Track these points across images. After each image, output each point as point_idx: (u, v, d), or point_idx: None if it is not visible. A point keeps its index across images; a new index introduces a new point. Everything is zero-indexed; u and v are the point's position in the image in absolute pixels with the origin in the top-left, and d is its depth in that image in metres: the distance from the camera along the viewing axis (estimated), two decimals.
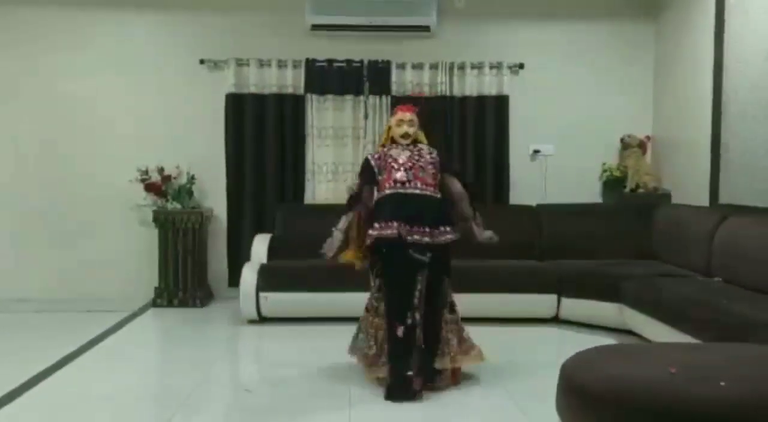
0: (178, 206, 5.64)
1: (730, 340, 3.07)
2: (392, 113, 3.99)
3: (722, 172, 4.91)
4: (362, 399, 3.40)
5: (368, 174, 3.65)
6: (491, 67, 5.92)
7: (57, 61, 5.83)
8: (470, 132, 5.92)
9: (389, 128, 3.75)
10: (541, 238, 5.54)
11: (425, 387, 3.44)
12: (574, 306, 4.89)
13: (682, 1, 5.59)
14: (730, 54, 4.83)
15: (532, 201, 5.82)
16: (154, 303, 5.63)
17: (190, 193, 5.71)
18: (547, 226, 5.59)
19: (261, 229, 5.70)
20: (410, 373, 3.37)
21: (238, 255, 5.71)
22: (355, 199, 3.68)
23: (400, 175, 3.53)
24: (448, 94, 5.89)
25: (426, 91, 5.89)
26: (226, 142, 5.84)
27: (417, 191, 3.51)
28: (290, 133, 5.88)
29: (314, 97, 5.85)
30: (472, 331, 3.70)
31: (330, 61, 5.87)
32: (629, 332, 4.52)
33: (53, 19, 5.81)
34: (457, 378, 3.59)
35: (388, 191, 3.53)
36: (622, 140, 5.92)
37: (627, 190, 5.81)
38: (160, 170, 5.64)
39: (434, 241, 3.44)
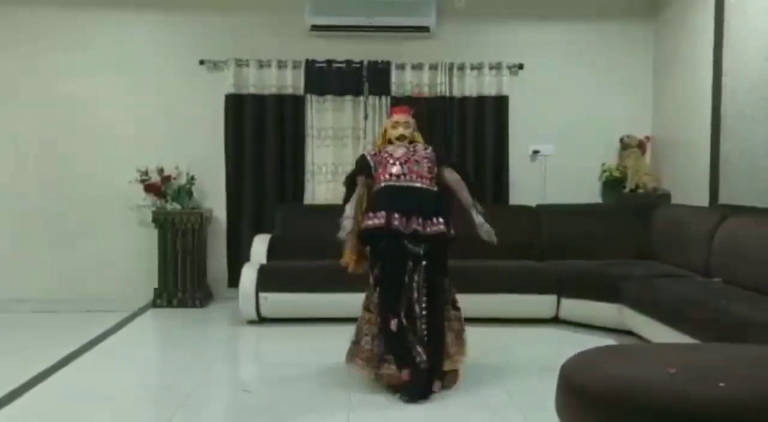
0: (178, 207, 5.65)
1: (730, 341, 3.07)
2: (388, 115, 4.01)
3: (722, 172, 4.91)
4: (362, 400, 3.40)
5: (363, 166, 3.71)
6: (491, 68, 5.92)
7: (57, 61, 5.83)
8: (470, 132, 5.92)
9: (385, 130, 3.81)
10: (540, 239, 5.54)
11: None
12: (574, 307, 4.89)
13: (681, 1, 5.60)
14: (729, 54, 4.83)
15: (532, 201, 5.82)
16: (153, 304, 5.63)
17: (190, 194, 5.71)
18: (546, 227, 5.59)
19: (260, 230, 5.70)
20: (420, 361, 3.36)
21: (237, 256, 5.71)
22: (351, 179, 3.73)
23: (395, 168, 3.57)
24: (447, 94, 5.89)
25: (426, 92, 5.89)
26: (226, 142, 5.85)
27: (412, 184, 3.54)
28: (290, 133, 5.88)
29: (314, 97, 5.85)
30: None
31: (329, 62, 5.87)
32: (629, 332, 4.52)
33: (53, 19, 5.81)
34: (456, 378, 3.59)
35: (383, 184, 3.56)
36: (621, 140, 5.92)
37: (626, 190, 5.82)
38: (160, 171, 5.64)
39: (425, 232, 3.44)
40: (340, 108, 5.88)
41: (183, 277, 5.60)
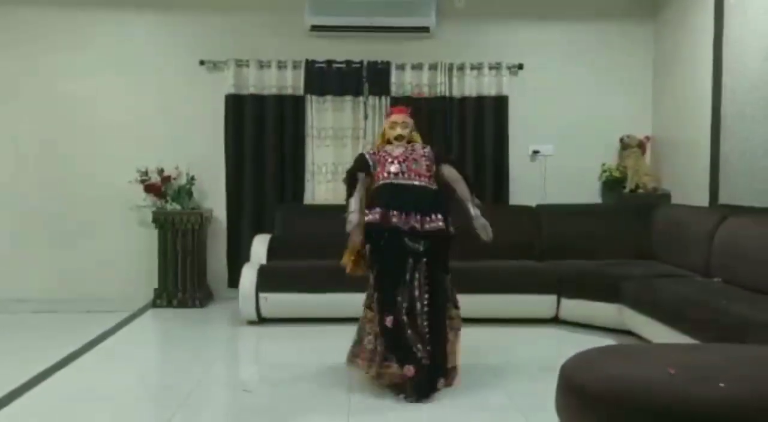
0: (178, 207, 5.65)
1: (730, 341, 3.07)
2: (387, 115, 4.04)
3: (721, 172, 4.91)
4: (361, 400, 3.40)
5: (362, 164, 3.72)
6: (490, 68, 5.93)
7: (57, 61, 5.83)
8: (470, 132, 5.92)
9: (384, 131, 3.83)
10: (540, 239, 5.54)
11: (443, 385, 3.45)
12: (574, 307, 4.89)
13: (681, 1, 5.60)
14: (729, 54, 4.83)
15: (532, 201, 5.82)
16: (153, 304, 5.63)
17: (190, 194, 5.71)
18: (546, 227, 5.58)
19: (260, 230, 5.70)
20: (422, 357, 3.36)
21: (237, 256, 5.71)
22: (351, 175, 3.73)
23: (394, 167, 3.58)
24: (447, 94, 5.89)
25: (425, 92, 5.89)
26: (226, 142, 5.85)
27: (410, 182, 3.55)
28: (290, 133, 5.88)
29: (314, 97, 5.86)
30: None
31: (329, 62, 5.87)
32: (629, 332, 4.52)
33: (53, 19, 5.81)
34: (456, 375, 3.58)
35: (381, 182, 3.58)
36: (621, 140, 5.92)
37: (626, 190, 5.82)
38: (160, 171, 5.64)
39: (424, 228, 3.45)
40: (340, 108, 5.88)
41: (183, 277, 5.60)
